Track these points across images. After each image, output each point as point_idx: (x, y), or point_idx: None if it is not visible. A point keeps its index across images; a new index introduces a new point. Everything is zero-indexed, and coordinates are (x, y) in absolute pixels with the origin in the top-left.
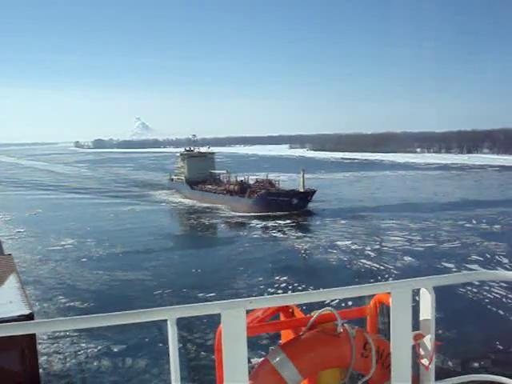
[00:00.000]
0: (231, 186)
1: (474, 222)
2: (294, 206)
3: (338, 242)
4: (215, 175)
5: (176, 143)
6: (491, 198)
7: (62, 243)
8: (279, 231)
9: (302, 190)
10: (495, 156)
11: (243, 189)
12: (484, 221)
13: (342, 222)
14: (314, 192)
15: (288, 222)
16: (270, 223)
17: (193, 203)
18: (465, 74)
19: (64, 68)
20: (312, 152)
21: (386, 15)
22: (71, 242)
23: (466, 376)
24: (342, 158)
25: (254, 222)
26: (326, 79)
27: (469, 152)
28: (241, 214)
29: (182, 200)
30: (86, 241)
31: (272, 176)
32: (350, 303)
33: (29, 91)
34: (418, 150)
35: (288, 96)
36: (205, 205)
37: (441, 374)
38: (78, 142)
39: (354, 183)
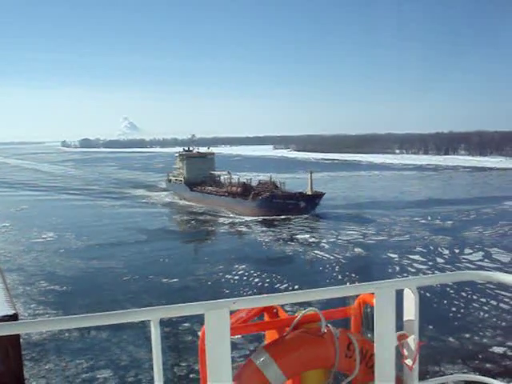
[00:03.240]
0: (233, 188)
1: (429, 218)
2: (301, 209)
3: (298, 236)
4: (215, 176)
5: (162, 143)
6: (453, 197)
7: (44, 236)
8: (246, 226)
9: (309, 193)
10: (469, 157)
11: (246, 191)
12: (439, 217)
13: (305, 216)
14: (322, 195)
15: (256, 218)
16: (237, 219)
17: (192, 205)
18: (447, 75)
19: (52, 67)
20: (294, 153)
21: (372, 18)
22: (52, 235)
23: (449, 376)
24: (322, 159)
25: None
26: (313, 81)
27: (446, 153)
28: (244, 217)
29: (181, 202)
30: (66, 234)
31: (251, 175)
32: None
33: (16, 90)
34: (397, 151)
35: (274, 97)
36: (205, 207)
37: (425, 373)
38: (64, 141)
39: (328, 183)
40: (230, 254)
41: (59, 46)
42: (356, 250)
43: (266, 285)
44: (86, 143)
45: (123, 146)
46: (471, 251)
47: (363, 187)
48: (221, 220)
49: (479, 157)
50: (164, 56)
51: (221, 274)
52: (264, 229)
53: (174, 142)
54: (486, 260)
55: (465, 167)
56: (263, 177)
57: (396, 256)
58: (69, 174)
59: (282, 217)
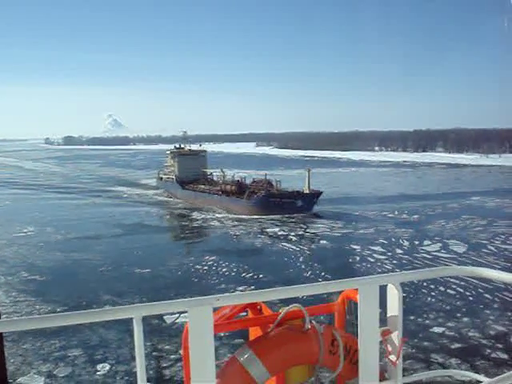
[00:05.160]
0: (227, 187)
1: (396, 212)
2: (298, 208)
3: (268, 229)
4: (207, 174)
5: (146, 140)
6: (424, 192)
7: (25, 231)
8: (218, 222)
9: (307, 192)
10: (446, 154)
11: (241, 189)
12: (406, 212)
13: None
14: (320, 193)
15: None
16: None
17: (184, 204)
18: (427, 73)
19: (34, 64)
20: (276, 150)
21: (356, 16)
22: (33, 229)
23: (432, 371)
24: (302, 156)
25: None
26: (299, 79)
27: (424, 151)
28: (238, 216)
29: (172, 200)
30: (47, 229)
31: (232, 172)
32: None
33: None
34: (377, 148)
35: (260, 95)
36: (197, 205)
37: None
38: (48, 138)
39: (305, 179)
40: (214, 249)
41: (42, 43)
42: (321, 242)
43: (233, 273)
44: (69, 140)
45: (107, 143)
46: (430, 243)
47: (339, 183)
48: (212, 217)
49: (456, 154)
50: (149, 54)
51: (191, 265)
52: (232, 220)
53: (158, 139)
54: (442, 251)
55: (440, 164)
56: (243, 173)
57: (358, 247)
58: (51, 172)
59: (277, 216)
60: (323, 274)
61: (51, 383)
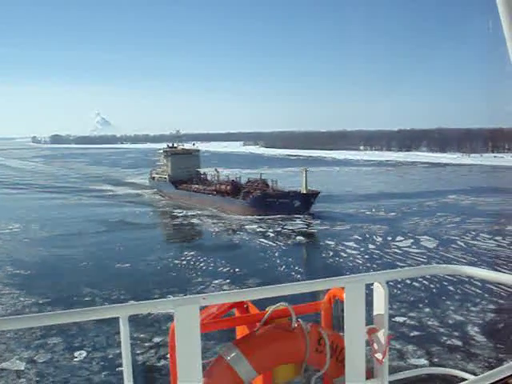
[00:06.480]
0: (222, 186)
1: (374, 210)
2: (295, 208)
3: (247, 226)
4: (201, 174)
5: (134, 139)
6: (403, 190)
7: (10, 227)
8: (198, 219)
9: (304, 192)
10: (429, 154)
11: (236, 189)
12: (383, 209)
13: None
14: (317, 193)
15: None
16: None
17: (177, 204)
18: (413, 73)
19: (20, 62)
20: (263, 149)
21: (343, 14)
22: (18, 226)
23: (419, 369)
24: (288, 155)
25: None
26: (288, 78)
27: (408, 150)
28: (234, 216)
29: (165, 200)
30: (32, 226)
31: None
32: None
33: None
34: (362, 147)
35: (247, 93)
36: (192, 206)
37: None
38: (35, 137)
39: (288, 178)
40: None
41: (28, 39)
42: (297, 238)
43: (212, 268)
44: (56, 139)
45: (94, 142)
46: (402, 239)
47: (321, 182)
48: (206, 217)
49: (439, 153)
50: (137, 52)
51: (170, 259)
52: (210, 219)
53: (146, 138)
54: (413, 246)
55: (422, 163)
56: (227, 171)
57: (332, 243)
58: (38, 170)
59: (277, 216)
60: (297, 267)
61: (31, 368)
